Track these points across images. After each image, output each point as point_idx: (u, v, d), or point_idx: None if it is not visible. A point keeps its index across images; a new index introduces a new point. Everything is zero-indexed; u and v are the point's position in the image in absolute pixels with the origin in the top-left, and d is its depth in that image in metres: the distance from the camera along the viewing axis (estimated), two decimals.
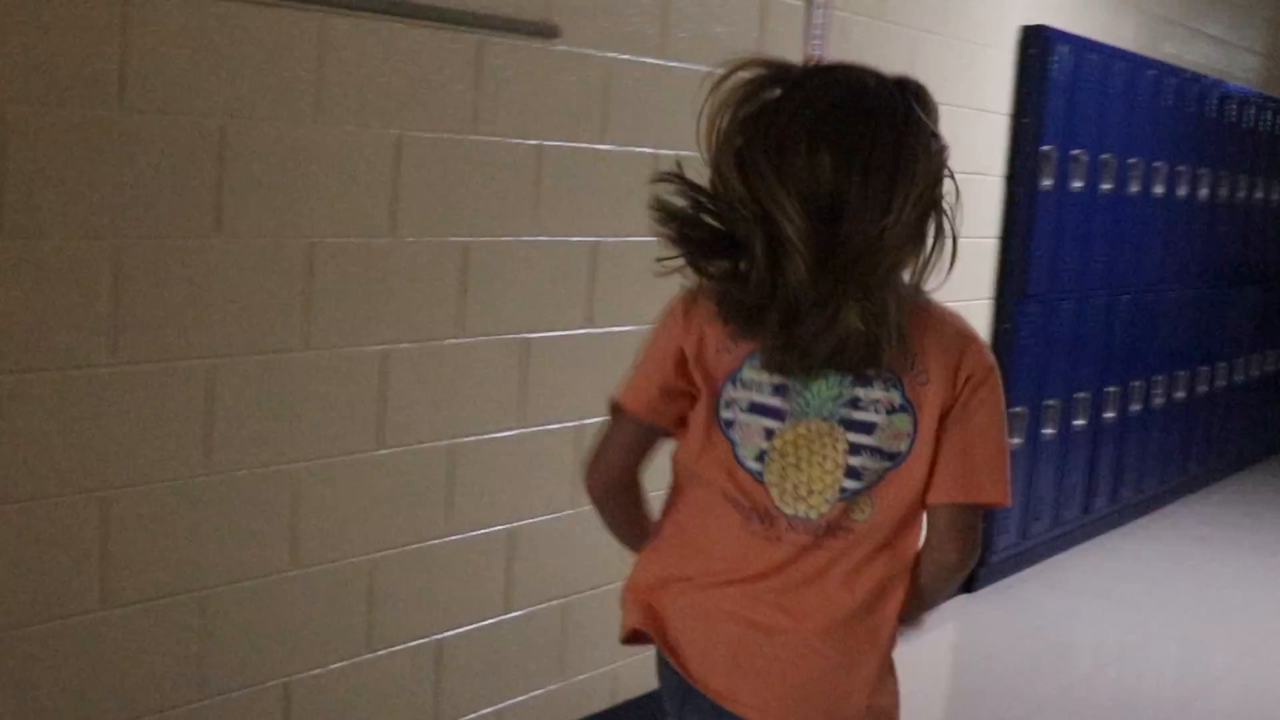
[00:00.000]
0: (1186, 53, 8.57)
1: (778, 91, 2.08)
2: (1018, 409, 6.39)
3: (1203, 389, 8.54)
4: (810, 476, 2.13)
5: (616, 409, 2.24)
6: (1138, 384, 7.59)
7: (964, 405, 2.12)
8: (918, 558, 2.19)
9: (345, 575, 3.52)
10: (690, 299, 2.16)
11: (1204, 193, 8.11)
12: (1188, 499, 8.61)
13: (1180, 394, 8.19)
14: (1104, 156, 6.82)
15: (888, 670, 2.20)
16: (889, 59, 5.19)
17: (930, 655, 5.79)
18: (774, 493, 2.14)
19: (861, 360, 2.05)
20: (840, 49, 4.97)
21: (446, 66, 3.56)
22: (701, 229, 2.06)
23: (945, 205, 2.10)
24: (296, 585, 3.40)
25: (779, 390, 2.11)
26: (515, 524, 3.97)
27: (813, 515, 2.13)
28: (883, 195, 2.00)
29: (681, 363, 2.16)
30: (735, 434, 2.16)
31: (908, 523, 2.16)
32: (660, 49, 4.21)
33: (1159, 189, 7.48)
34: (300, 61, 3.22)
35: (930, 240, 2.09)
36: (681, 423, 2.22)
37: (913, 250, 2.07)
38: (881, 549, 2.15)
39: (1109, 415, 7.30)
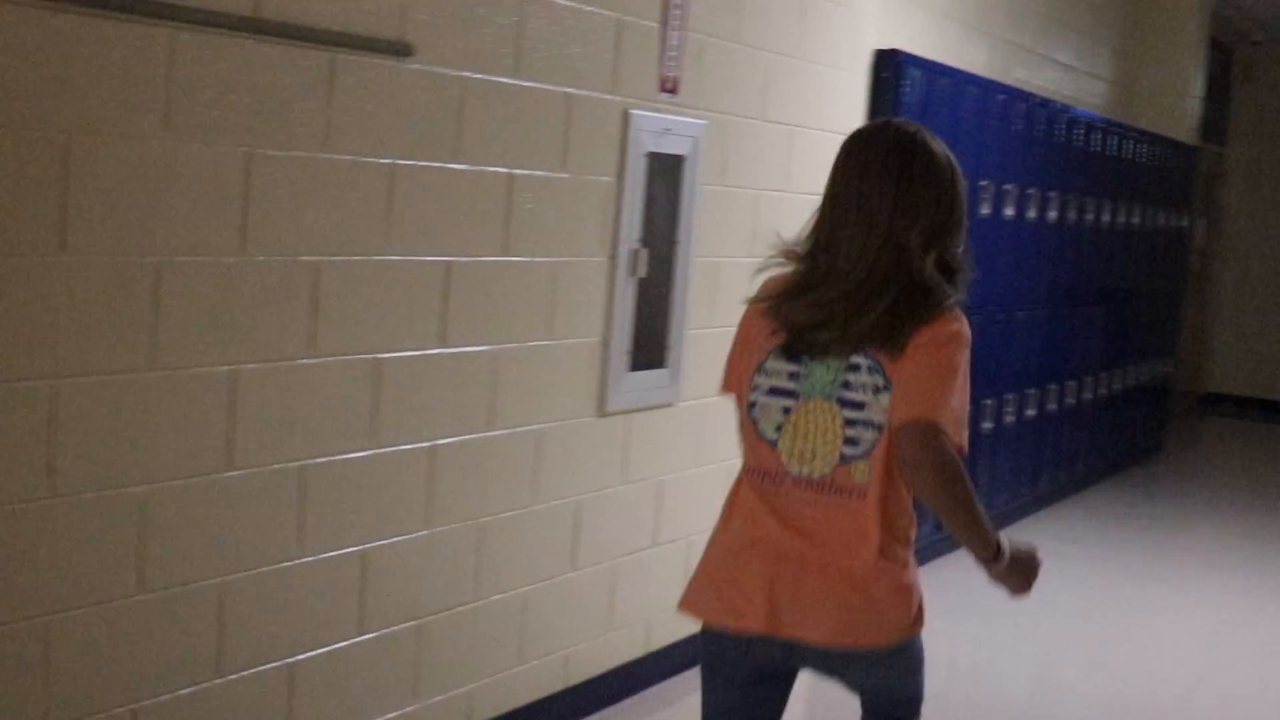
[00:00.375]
0: (1036, 78, 8.76)
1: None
2: None
3: (1053, 407, 8.71)
4: (815, 444, 2.72)
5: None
6: (990, 402, 7.72)
7: (919, 351, 2.67)
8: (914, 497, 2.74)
9: (194, 599, 3.47)
10: (751, 307, 2.86)
11: (1053, 215, 8.29)
12: (1039, 514, 8.77)
13: (1032, 411, 8.35)
14: None
15: (906, 585, 2.74)
16: (743, 81, 5.26)
17: None
18: (784, 457, 2.74)
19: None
20: (695, 71, 5.02)
21: (298, 84, 3.53)
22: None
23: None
24: (144, 609, 3.34)
25: (793, 376, 2.74)
26: (368, 545, 3.94)
27: (815, 475, 2.71)
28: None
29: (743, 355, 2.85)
30: (757, 413, 2.79)
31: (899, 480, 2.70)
32: (515, 69, 4.21)
33: (1010, 211, 7.63)
34: (148, 76, 3.17)
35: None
36: None
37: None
38: (883, 498, 2.69)
39: None
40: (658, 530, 5.21)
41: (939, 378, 2.68)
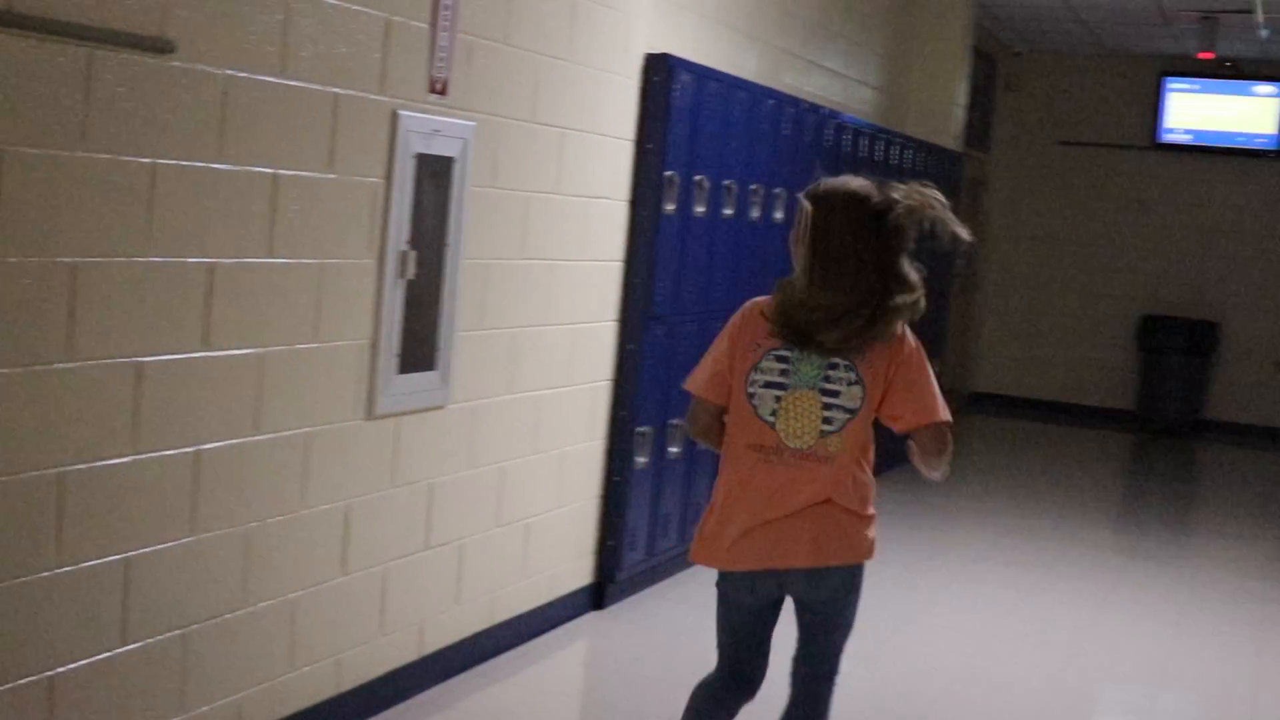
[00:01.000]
0: (806, 84, 8.92)
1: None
2: (643, 429, 6.52)
3: None
4: (802, 423, 3.69)
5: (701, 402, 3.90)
6: None
7: (902, 367, 3.71)
8: (916, 459, 3.79)
9: None
10: (741, 320, 3.85)
11: None
12: None
13: None
14: (726, 182, 7.04)
15: (866, 526, 3.79)
16: (514, 83, 5.26)
17: (562, 673, 5.85)
18: (781, 434, 3.70)
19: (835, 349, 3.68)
20: (464, 73, 5.01)
21: (53, 80, 3.44)
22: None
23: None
24: None
25: (784, 373, 3.70)
26: (131, 553, 3.86)
27: (803, 446, 3.68)
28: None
29: (730, 354, 3.80)
30: (755, 401, 3.73)
31: (865, 448, 3.76)
32: (281, 68, 4.17)
33: (779, 215, 7.75)
34: None
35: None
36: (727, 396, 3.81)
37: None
38: (851, 464, 3.72)
39: None
40: (430, 533, 5.19)
41: (928, 385, 3.75)
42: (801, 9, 8.77)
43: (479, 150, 5.16)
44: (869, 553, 3.83)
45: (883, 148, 9.52)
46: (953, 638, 6.74)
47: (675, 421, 6.82)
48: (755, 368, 3.75)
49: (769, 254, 7.71)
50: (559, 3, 5.63)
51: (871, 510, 3.82)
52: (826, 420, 3.70)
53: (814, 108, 8.33)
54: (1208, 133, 14.86)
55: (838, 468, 3.72)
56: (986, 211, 14.97)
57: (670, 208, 6.51)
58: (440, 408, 5.15)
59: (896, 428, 3.78)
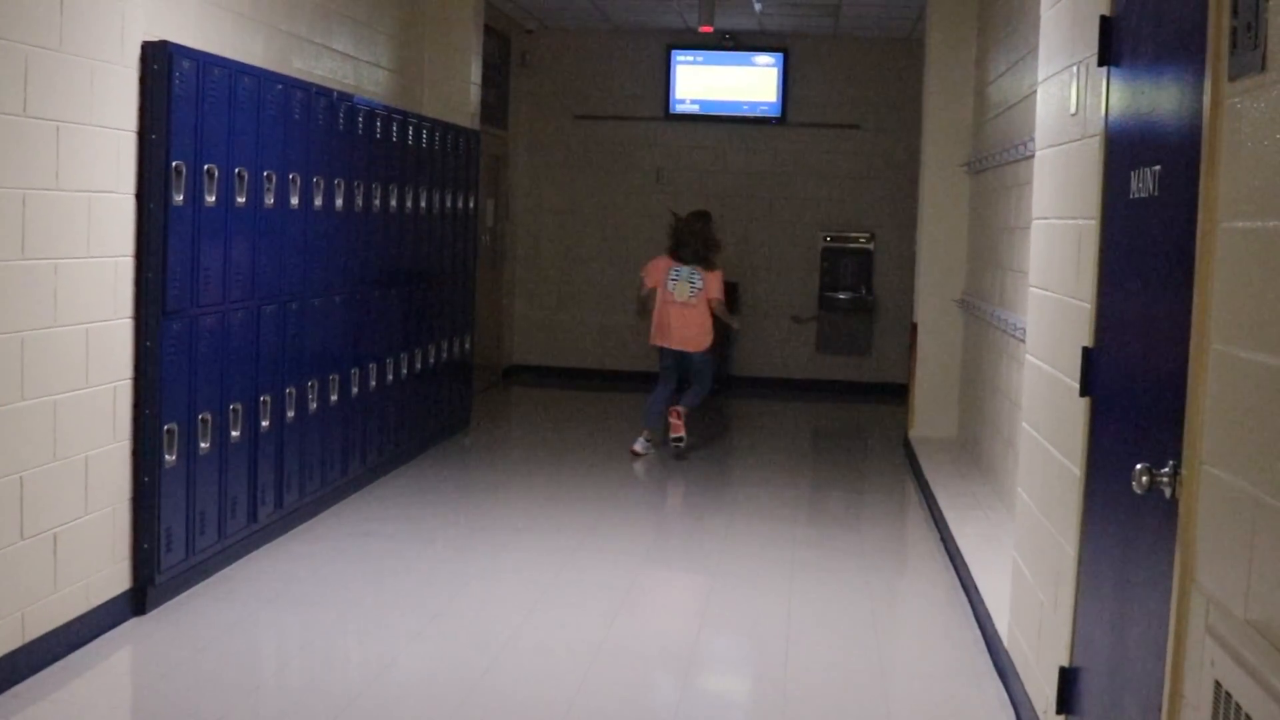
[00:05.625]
0: (316, 68, 8.86)
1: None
2: (170, 425, 6.38)
3: (355, 391, 8.87)
4: (681, 290, 10.92)
5: (643, 284, 11.19)
6: (291, 391, 7.78)
7: (713, 278, 11.07)
8: (713, 314, 11.13)
9: None
10: (655, 260, 11.20)
11: (341, 203, 8.42)
12: (352, 498, 8.93)
13: (334, 397, 8.47)
14: (238, 170, 6.94)
15: (710, 335, 11.13)
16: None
17: (106, 684, 5.68)
18: (675, 294, 10.94)
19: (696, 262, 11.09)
20: None
21: None
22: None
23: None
24: None
25: (677, 274, 10.94)
26: None
27: (686, 299, 10.93)
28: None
29: (657, 269, 11.14)
30: (669, 285, 10.95)
31: (707, 304, 11.05)
32: None
33: (296, 201, 7.70)
34: None
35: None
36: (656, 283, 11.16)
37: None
38: (700, 307, 10.99)
39: (265, 424, 7.43)
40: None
41: (721, 286, 11.12)
42: None
43: None
44: (713, 348, 11.15)
45: (399, 129, 9.56)
46: (504, 606, 6.86)
47: (204, 416, 6.70)
48: (669, 272, 10.93)
49: (288, 241, 7.66)
50: None
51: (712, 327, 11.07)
52: (693, 291, 10.88)
53: (325, 91, 8.28)
54: (715, 102, 15.55)
55: (699, 310, 10.92)
56: (509, 187, 15.22)
57: (179, 199, 6.36)
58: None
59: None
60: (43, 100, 5.43)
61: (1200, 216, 3.32)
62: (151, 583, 6.35)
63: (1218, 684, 3.00)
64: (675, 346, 10.93)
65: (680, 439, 11.03)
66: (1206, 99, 3.28)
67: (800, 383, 15.39)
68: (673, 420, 11.03)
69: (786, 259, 15.54)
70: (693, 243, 10.91)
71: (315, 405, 8.15)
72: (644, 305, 11.21)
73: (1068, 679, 4.67)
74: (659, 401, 11.17)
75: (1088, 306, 4.59)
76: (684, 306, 10.85)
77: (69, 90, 5.62)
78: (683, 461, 10.96)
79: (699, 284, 10.83)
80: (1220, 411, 3.15)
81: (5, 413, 5.26)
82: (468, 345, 11.69)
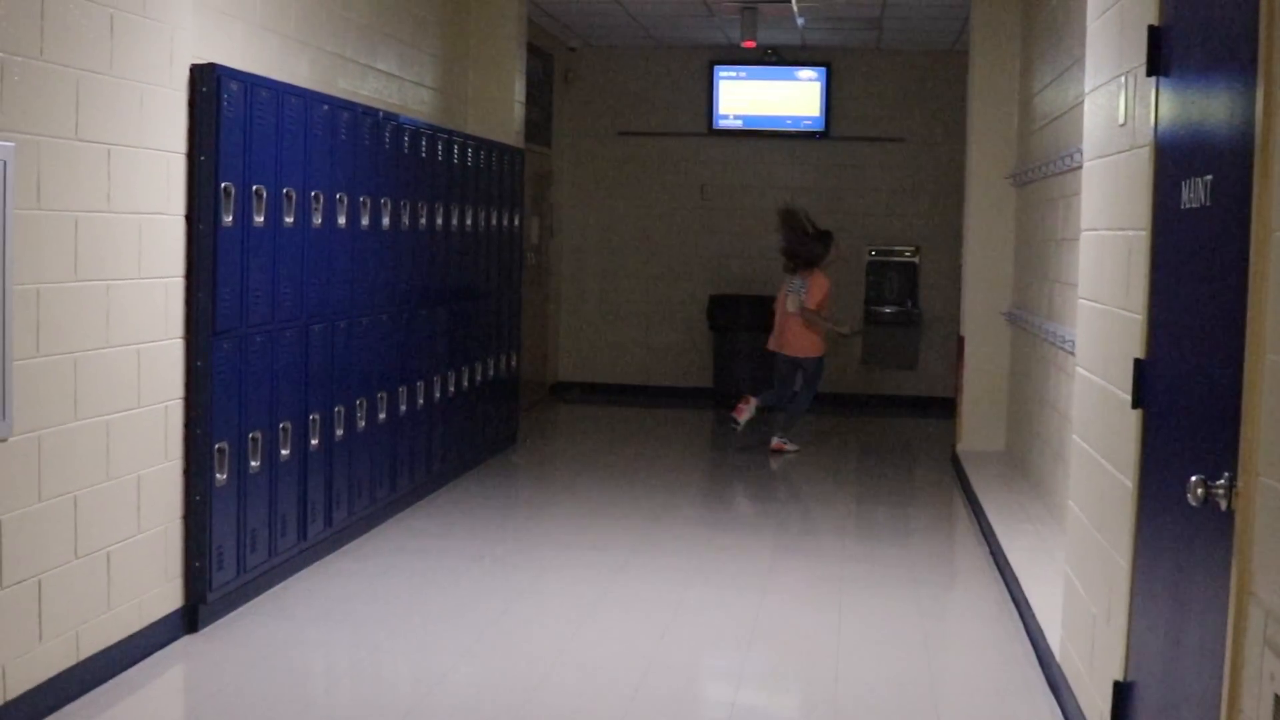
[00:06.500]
0: (362, 88, 8.91)
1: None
2: (221, 444, 6.42)
3: (403, 409, 8.89)
4: (791, 302, 12.02)
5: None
6: (340, 410, 7.81)
7: (814, 287, 12.16)
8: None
9: None
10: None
11: (386, 222, 8.46)
12: (400, 515, 8.95)
13: (383, 415, 8.50)
14: (285, 190, 6.98)
15: (808, 340, 12.22)
16: (52, 101, 5.09)
17: (158, 702, 5.71)
18: (787, 305, 12.09)
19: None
20: None
21: None
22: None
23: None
24: None
25: (791, 286, 12.13)
26: None
27: (792, 308, 12.01)
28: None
29: (781, 288, 12.44)
30: (786, 297, 12.18)
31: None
32: None
33: (342, 220, 7.74)
34: None
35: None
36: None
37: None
38: (800, 313, 12.09)
39: (315, 443, 7.47)
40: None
41: (820, 292, 12.02)
42: (352, 13, 8.75)
43: (20, 171, 4.98)
44: (819, 355, 12.23)
45: (443, 148, 9.59)
46: (551, 623, 6.87)
47: (254, 435, 6.74)
48: (787, 284, 12.25)
49: (336, 261, 7.70)
50: (96, 16, 5.47)
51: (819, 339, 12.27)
52: (795, 301, 11.98)
53: (371, 111, 8.33)
54: (758, 117, 15.55)
55: (798, 319, 12.01)
56: (553, 204, 15.26)
57: (229, 220, 6.41)
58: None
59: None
60: (94, 123, 5.48)
61: (1254, 225, 3.30)
62: (203, 601, 6.38)
63: (1277, 698, 2.98)
64: (778, 350, 12.22)
65: (736, 423, 12.14)
66: (1259, 107, 3.27)
67: (845, 397, 15.35)
68: (740, 404, 12.19)
69: (831, 272, 15.49)
70: (788, 249, 12.32)
71: (364, 423, 8.18)
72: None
73: (1122, 693, 4.63)
74: (770, 399, 12.30)
75: (1139, 318, 4.57)
76: (789, 314, 12.05)
77: (119, 113, 5.67)
78: (728, 477, 10.92)
79: (802, 293, 11.98)
80: (1276, 422, 3.13)
81: (59, 433, 5.30)
82: (514, 362, 11.71)
